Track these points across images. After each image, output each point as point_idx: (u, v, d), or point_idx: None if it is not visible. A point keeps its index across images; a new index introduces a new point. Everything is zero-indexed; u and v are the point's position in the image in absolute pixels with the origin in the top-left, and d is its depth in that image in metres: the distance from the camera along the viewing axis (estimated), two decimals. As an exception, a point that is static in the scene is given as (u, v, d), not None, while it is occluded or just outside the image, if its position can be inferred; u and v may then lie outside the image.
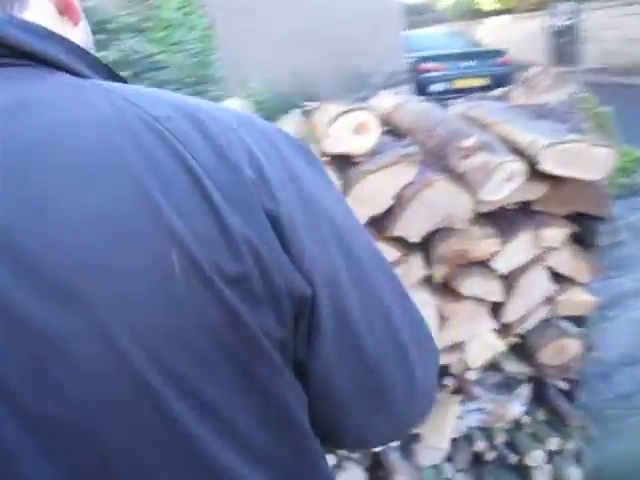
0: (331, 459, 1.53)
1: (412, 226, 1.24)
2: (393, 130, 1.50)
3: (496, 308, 1.46)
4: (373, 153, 1.22)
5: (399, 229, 1.23)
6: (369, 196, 1.19)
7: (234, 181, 0.41)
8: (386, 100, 1.56)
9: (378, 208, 1.21)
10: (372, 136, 1.19)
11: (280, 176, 0.43)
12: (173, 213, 0.38)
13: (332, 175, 1.17)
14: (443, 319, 1.40)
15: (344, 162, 1.24)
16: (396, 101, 1.50)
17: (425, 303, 1.36)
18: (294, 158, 0.46)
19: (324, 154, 1.20)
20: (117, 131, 0.39)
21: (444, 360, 1.47)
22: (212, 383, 0.40)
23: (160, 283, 0.38)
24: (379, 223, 1.26)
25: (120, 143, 0.39)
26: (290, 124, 1.51)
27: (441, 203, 1.21)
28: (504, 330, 1.48)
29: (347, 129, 1.18)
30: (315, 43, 5.38)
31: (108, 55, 4.38)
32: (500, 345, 1.46)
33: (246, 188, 0.41)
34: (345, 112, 1.17)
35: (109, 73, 0.48)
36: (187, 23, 5.11)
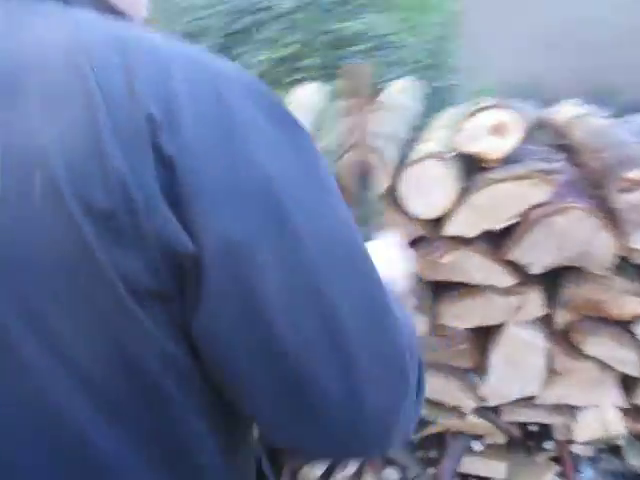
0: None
1: (535, 254, 1.05)
2: (564, 145, 1.29)
3: (631, 383, 1.19)
4: (508, 160, 1.06)
5: (518, 254, 1.06)
6: (488, 207, 1.04)
7: (131, 117, 0.38)
8: (568, 110, 1.34)
9: (496, 223, 1.06)
10: (511, 140, 1.03)
11: (204, 124, 0.39)
12: (49, 136, 0.37)
13: (456, 176, 1.05)
14: (553, 372, 1.18)
15: (475, 165, 1.10)
16: (576, 112, 1.28)
17: (534, 347, 1.16)
18: (245, 110, 0.41)
19: (455, 151, 1.09)
20: (33, 53, 0.40)
21: (545, 418, 1.26)
22: (62, 318, 0.39)
23: (19, 207, 0.37)
24: (497, 241, 1.10)
25: (28, 59, 0.39)
26: (452, 115, 1.39)
27: (575, 237, 1.01)
28: (634, 413, 1.20)
29: (484, 127, 1.04)
30: (562, 48, 4.89)
31: (345, 28, 4.55)
32: (621, 428, 1.19)
33: (140, 126, 0.38)
34: (486, 108, 1.04)
35: (103, 6, 0.47)
36: (434, 7, 5.04)
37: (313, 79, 5.60)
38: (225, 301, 0.40)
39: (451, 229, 1.08)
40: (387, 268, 0.63)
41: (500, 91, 4.62)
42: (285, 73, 5.76)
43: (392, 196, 1.10)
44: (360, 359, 0.42)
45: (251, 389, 0.43)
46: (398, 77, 4.83)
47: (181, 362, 0.43)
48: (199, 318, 0.40)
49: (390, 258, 0.71)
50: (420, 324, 1.18)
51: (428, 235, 1.13)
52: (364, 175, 0.91)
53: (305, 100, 1.50)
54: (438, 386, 1.27)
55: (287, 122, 0.44)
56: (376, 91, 1.19)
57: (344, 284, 0.42)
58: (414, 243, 1.15)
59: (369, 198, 0.87)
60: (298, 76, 5.55)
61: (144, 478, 0.45)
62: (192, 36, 5.46)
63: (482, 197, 1.04)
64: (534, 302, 1.13)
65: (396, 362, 0.45)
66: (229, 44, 5.76)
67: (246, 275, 0.39)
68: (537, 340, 1.17)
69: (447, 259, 1.08)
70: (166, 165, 0.37)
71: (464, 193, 1.06)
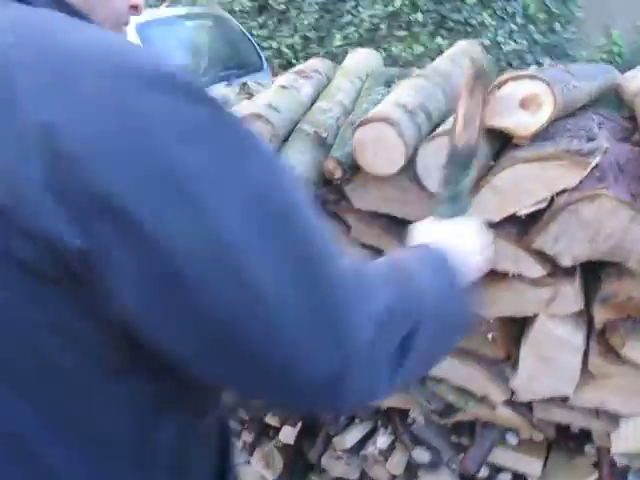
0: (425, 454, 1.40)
1: (563, 245, 0.94)
2: (633, 118, 1.12)
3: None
4: (545, 137, 0.94)
5: (543, 243, 0.95)
6: (512, 190, 0.94)
7: (23, 120, 0.39)
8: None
9: (520, 207, 0.95)
10: (542, 115, 0.91)
11: (99, 121, 0.40)
12: None
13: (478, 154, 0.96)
14: (587, 374, 1.07)
15: (505, 142, 1.00)
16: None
17: (569, 345, 1.06)
18: (149, 103, 0.41)
19: (484, 126, 0.98)
20: None
21: (582, 422, 1.15)
22: None
23: None
24: (528, 227, 0.99)
25: None
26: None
27: (607, 229, 0.88)
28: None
29: (512, 100, 0.93)
30: None
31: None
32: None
33: (31, 129, 0.39)
34: (515, 78, 0.92)
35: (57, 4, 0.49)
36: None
37: (423, 34, 5.33)
38: (138, 280, 0.41)
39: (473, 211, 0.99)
40: (459, 244, 0.64)
41: (627, 44, 4.10)
42: (395, 28, 5.53)
43: (413, 172, 1.03)
44: (287, 320, 0.42)
45: (193, 354, 0.44)
46: (511, 31, 4.45)
47: (86, 338, 0.45)
48: (117, 300, 0.41)
49: (465, 237, 0.69)
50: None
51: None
52: (465, 158, 0.81)
53: (355, 65, 1.43)
54: (465, 373, 1.21)
55: (205, 105, 0.43)
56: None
57: (267, 250, 0.42)
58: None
59: (464, 182, 0.80)
60: (407, 32, 5.31)
61: (53, 448, 0.49)
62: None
63: (505, 178, 0.94)
64: (568, 296, 1.02)
65: (332, 325, 0.43)
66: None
67: (164, 254, 0.40)
68: (572, 338, 1.06)
69: (466, 244, 1.00)
70: (64, 165, 0.39)
71: (488, 173, 0.97)
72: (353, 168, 1.08)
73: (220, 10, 4.50)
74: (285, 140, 1.21)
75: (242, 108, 1.19)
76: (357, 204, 1.13)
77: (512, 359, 1.17)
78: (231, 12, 5.12)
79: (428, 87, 1.13)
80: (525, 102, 0.92)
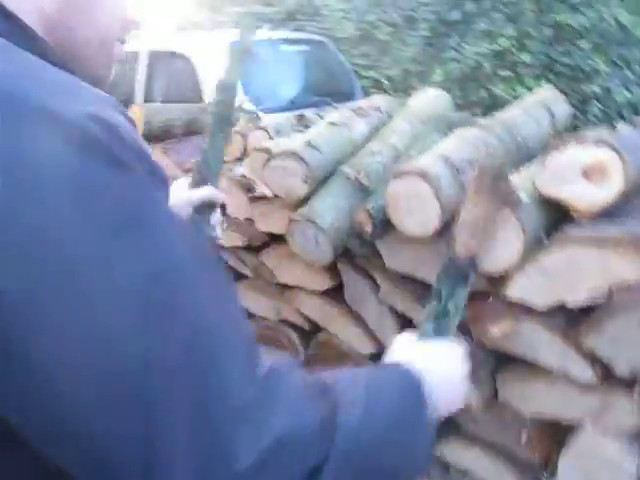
0: None
1: (619, 349, 0.77)
2: None
3: None
4: (605, 215, 0.78)
5: (597, 344, 0.78)
6: (562, 274, 0.78)
7: None
8: None
9: (571, 296, 0.79)
10: (610, 189, 0.75)
11: None
12: None
13: (527, 226, 0.81)
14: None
15: (563, 214, 0.84)
16: None
17: (619, 468, 0.86)
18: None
19: (535, 194, 0.84)
20: None
21: None
22: None
23: None
24: (578, 319, 0.83)
25: None
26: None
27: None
28: None
29: (573, 167, 0.78)
30: None
31: (570, 20, 3.97)
32: None
33: None
34: (579, 142, 0.77)
35: (27, 40, 0.43)
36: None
37: (528, 76, 5.05)
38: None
39: (514, 292, 0.84)
40: (438, 368, 0.51)
41: None
42: (500, 67, 5.32)
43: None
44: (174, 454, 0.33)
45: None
46: (626, 80, 4.09)
47: None
48: None
49: (447, 361, 0.56)
50: (472, 397, 0.96)
51: (493, 294, 0.90)
52: (462, 272, 0.64)
53: (419, 105, 1.32)
54: (494, 472, 1.04)
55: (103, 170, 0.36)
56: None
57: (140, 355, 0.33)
58: (475, 299, 0.93)
59: (456, 298, 0.64)
60: (512, 73, 5.08)
61: None
62: (398, 25, 5.31)
63: (555, 259, 0.79)
64: (622, 409, 0.83)
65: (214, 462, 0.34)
66: (443, 34, 5.49)
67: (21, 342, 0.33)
68: (624, 460, 0.86)
69: (502, 329, 0.85)
70: None
71: (536, 250, 0.82)
72: (386, 223, 0.97)
73: (320, 37, 4.53)
74: (325, 181, 1.12)
75: (281, 144, 1.11)
76: (389, 263, 1.01)
77: (550, 465, 0.99)
78: (334, 39, 5.15)
79: (486, 140, 1.00)
80: (589, 171, 0.76)
